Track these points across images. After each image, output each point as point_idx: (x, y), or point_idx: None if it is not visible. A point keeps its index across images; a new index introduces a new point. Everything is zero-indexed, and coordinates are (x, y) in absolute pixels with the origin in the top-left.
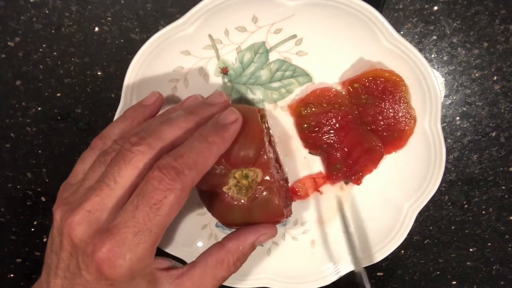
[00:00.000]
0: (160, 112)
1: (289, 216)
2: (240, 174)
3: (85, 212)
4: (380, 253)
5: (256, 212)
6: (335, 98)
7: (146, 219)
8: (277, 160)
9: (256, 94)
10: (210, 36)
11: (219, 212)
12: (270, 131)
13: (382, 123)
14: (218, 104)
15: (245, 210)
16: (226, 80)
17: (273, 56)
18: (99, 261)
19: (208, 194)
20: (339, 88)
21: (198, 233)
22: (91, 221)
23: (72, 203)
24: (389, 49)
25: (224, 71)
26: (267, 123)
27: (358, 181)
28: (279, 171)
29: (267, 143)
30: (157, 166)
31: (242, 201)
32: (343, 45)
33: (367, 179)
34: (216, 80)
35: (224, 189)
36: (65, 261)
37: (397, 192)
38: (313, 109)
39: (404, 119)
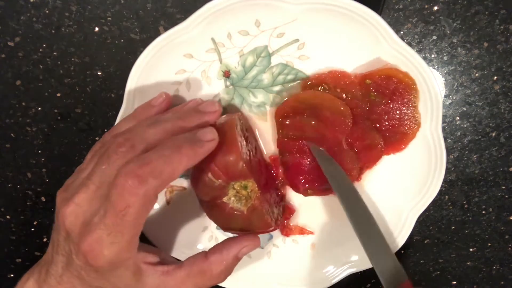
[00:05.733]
0: None
1: (279, 224)
2: (239, 185)
3: (74, 205)
4: None
5: (256, 220)
6: (350, 86)
7: (115, 223)
8: (261, 164)
9: (258, 98)
10: (213, 39)
11: (220, 221)
12: (256, 132)
13: (386, 123)
14: (209, 114)
15: (245, 219)
16: (228, 83)
17: (275, 60)
18: (83, 251)
19: (208, 205)
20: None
21: (198, 236)
22: (78, 214)
23: (68, 192)
24: (391, 53)
25: (226, 75)
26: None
27: (357, 178)
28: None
29: (244, 148)
30: (121, 173)
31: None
32: (345, 50)
33: (368, 182)
34: (218, 83)
35: (224, 199)
36: (61, 243)
37: (397, 196)
38: (326, 90)
39: (408, 123)
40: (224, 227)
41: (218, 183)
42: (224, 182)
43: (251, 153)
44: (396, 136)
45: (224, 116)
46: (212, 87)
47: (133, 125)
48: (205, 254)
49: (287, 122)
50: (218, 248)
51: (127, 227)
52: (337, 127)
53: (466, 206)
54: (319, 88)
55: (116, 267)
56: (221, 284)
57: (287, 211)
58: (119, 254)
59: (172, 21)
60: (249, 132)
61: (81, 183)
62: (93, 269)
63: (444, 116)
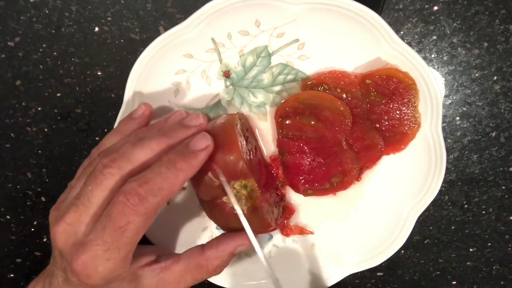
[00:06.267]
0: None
1: (279, 224)
2: (239, 185)
3: (65, 225)
4: (380, 256)
5: (256, 220)
6: (350, 86)
7: (114, 239)
8: (261, 164)
9: (258, 98)
10: (213, 39)
11: (220, 221)
12: (256, 131)
13: (386, 123)
14: (193, 127)
15: (246, 218)
16: (228, 83)
17: (275, 59)
18: (76, 270)
19: (209, 204)
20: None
21: (198, 235)
22: (69, 233)
23: (59, 211)
24: (391, 53)
25: (226, 75)
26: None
27: (357, 178)
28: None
29: (244, 147)
30: (122, 191)
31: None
32: (345, 50)
33: (368, 182)
34: (218, 83)
35: (224, 199)
36: (58, 259)
37: (397, 196)
38: (326, 90)
39: (408, 123)
40: (224, 227)
41: (218, 182)
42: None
43: (251, 152)
44: (396, 136)
45: (224, 115)
46: (212, 87)
47: (118, 142)
48: (201, 248)
49: (287, 122)
50: (215, 243)
51: (125, 243)
52: (337, 127)
53: (466, 206)
54: (319, 88)
55: (111, 282)
56: (221, 284)
57: (287, 211)
58: (113, 271)
59: (172, 21)
60: (249, 132)
61: (70, 203)
62: (89, 286)
63: (444, 116)
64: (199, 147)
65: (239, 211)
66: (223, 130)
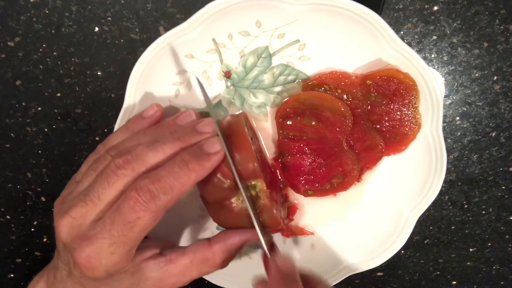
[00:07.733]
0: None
1: (286, 224)
2: (248, 185)
3: (70, 218)
4: (380, 257)
5: (265, 219)
6: (351, 87)
7: (121, 234)
8: (265, 164)
9: (258, 98)
10: (214, 40)
11: (228, 222)
12: (258, 133)
13: (387, 124)
14: (206, 134)
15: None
16: (229, 83)
17: (276, 60)
18: (79, 263)
19: (215, 206)
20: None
21: (198, 236)
22: (73, 227)
23: (65, 204)
24: (391, 54)
25: (227, 75)
26: (251, 126)
27: (358, 178)
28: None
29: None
30: (134, 187)
31: None
32: (345, 50)
33: (368, 183)
34: (219, 83)
35: (233, 200)
36: (61, 252)
37: (397, 197)
38: (327, 91)
39: (408, 124)
40: (231, 228)
41: (228, 183)
42: (234, 182)
43: (258, 152)
44: (396, 137)
45: (228, 116)
46: (213, 88)
47: (128, 140)
48: (208, 242)
49: (288, 123)
50: (222, 237)
51: (131, 238)
52: (338, 128)
53: (466, 206)
54: (320, 89)
55: (113, 275)
56: (222, 285)
57: (291, 211)
58: (117, 264)
59: (172, 21)
60: (252, 132)
61: (77, 198)
62: (91, 279)
63: (444, 116)
64: (213, 150)
65: (251, 211)
66: (231, 130)
